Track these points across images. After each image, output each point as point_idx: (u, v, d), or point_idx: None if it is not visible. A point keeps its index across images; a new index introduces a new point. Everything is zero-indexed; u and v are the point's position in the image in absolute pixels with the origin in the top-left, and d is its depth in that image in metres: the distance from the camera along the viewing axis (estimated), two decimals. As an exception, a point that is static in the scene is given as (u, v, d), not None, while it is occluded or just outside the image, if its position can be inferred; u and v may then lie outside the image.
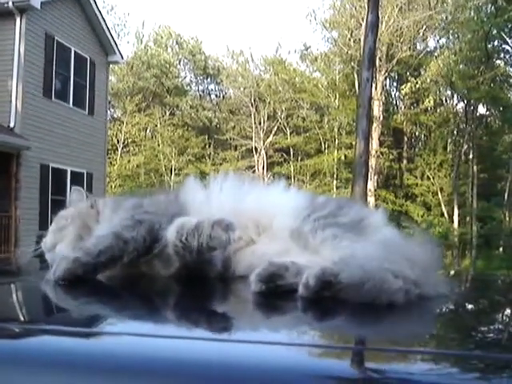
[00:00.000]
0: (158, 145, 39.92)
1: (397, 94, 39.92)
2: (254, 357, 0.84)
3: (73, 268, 1.44)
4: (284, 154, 39.53)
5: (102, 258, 1.47)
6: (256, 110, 39.80)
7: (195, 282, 1.48)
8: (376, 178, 34.49)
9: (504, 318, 1.34)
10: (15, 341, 0.98)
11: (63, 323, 1.12)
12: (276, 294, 1.28)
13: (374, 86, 27.49)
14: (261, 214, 1.60)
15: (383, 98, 36.22)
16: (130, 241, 1.50)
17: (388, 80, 38.21)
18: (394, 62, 34.89)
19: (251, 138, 39.76)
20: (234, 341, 0.95)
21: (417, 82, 34.30)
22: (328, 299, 1.21)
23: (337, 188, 36.00)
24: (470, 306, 1.50)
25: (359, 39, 30.87)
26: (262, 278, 1.29)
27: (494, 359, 0.86)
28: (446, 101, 38.61)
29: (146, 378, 0.79)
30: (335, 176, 36.93)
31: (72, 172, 18.49)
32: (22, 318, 1.23)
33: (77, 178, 18.27)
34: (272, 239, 1.56)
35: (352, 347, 0.98)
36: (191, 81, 47.13)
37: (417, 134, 39.96)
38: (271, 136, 39.44)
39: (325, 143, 38.05)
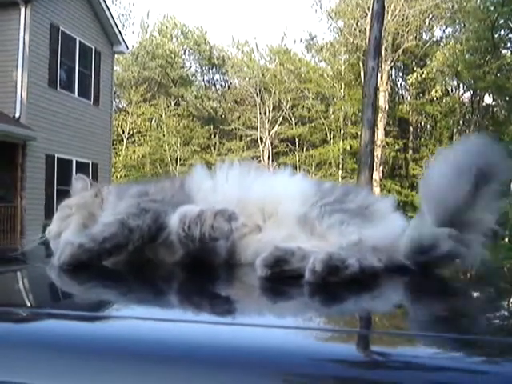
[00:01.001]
0: (164, 135, 39.93)
1: (402, 83, 39.86)
2: (260, 340, 0.84)
3: (77, 254, 1.44)
4: (289, 144, 39.49)
5: (107, 245, 1.47)
6: (261, 100, 39.75)
7: (201, 269, 1.48)
8: (381, 168, 34.48)
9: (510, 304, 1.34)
10: (20, 324, 0.98)
11: (68, 308, 1.13)
12: (282, 279, 1.28)
13: (379, 75, 27.41)
14: (267, 201, 1.59)
15: (389, 87, 36.14)
16: (135, 229, 1.50)
17: (394, 70, 38.11)
18: (400, 51, 34.80)
19: (256, 128, 39.74)
20: (239, 324, 0.95)
21: (423, 72, 34.22)
22: (335, 284, 1.21)
23: (342, 178, 35.97)
24: (476, 293, 1.49)
25: (365, 29, 30.79)
26: (268, 263, 1.29)
27: (498, 343, 0.86)
28: (452, 91, 38.52)
29: (150, 361, 0.79)
30: (341, 166, 36.91)
31: (77, 162, 18.53)
32: (27, 303, 1.24)
33: (82, 168, 18.31)
34: (278, 225, 1.55)
35: (358, 330, 0.98)
36: (196, 71, 47.13)
37: (422, 123, 39.87)
38: (276, 126, 39.41)
39: (330, 133, 38.01)
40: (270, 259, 1.29)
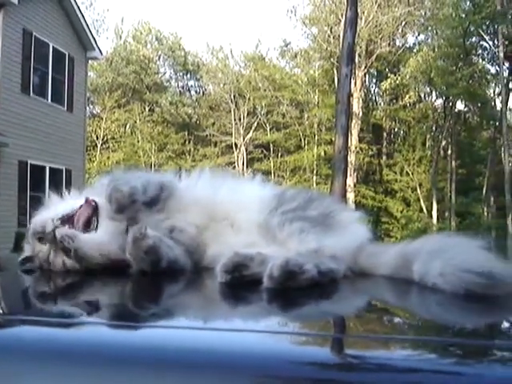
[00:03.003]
0: (138, 141, 39.77)
1: (376, 90, 40.13)
2: (231, 344, 0.84)
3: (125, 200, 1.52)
4: (264, 150, 39.54)
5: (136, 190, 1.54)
6: (236, 106, 39.78)
7: (162, 274, 1.48)
8: (355, 173, 34.66)
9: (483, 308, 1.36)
10: None
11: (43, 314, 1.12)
12: (242, 284, 1.29)
13: (353, 82, 27.61)
14: (230, 208, 1.61)
15: (363, 94, 36.37)
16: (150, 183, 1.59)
17: (367, 76, 38.34)
18: (374, 58, 35.04)
19: (231, 134, 39.75)
20: (208, 329, 0.96)
21: (396, 78, 34.49)
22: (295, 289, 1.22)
23: (317, 184, 36.07)
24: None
25: (339, 35, 30.94)
26: (228, 269, 1.30)
27: (471, 346, 0.88)
28: (425, 97, 38.85)
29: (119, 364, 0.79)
30: (315, 172, 37.01)
31: (51, 168, 18.36)
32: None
33: (56, 175, 18.15)
34: (240, 232, 1.57)
35: (331, 334, 0.99)
36: (171, 77, 47.06)
37: (396, 129, 40.17)
38: (251, 132, 39.45)
39: (305, 139, 38.12)
40: (230, 264, 1.31)
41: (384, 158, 37.88)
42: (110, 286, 1.53)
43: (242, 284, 1.29)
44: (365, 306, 1.30)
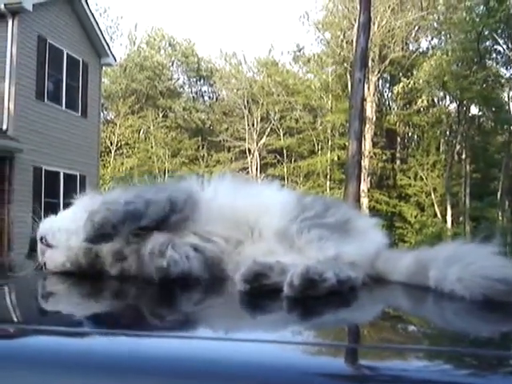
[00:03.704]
0: (152, 147, 39.86)
1: (389, 94, 39.99)
2: (247, 355, 0.84)
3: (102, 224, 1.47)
4: (277, 156, 39.49)
5: (129, 214, 1.49)
6: (249, 111, 39.79)
7: (182, 284, 1.48)
8: (369, 178, 34.54)
9: (500, 316, 1.35)
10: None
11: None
12: (262, 293, 1.29)
13: (366, 86, 27.57)
14: (249, 215, 1.61)
15: (376, 98, 36.28)
16: (153, 203, 1.53)
17: (380, 81, 38.24)
18: (387, 62, 34.94)
19: (244, 140, 39.75)
20: (224, 339, 0.95)
21: (409, 82, 34.37)
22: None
23: (330, 189, 35.99)
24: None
25: (352, 40, 30.90)
26: (247, 278, 1.30)
27: (487, 356, 0.87)
28: (439, 101, 38.70)
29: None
30: (329, 177, 36.93)
31: (65, 174, 18.44)
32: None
33: (70, 181, 18.23)
34: (258, 239, 1.57)
35: (346, 345, 0.99)
36: (184, 83, 47.14)
37: (410, 134, 40.01)
38: (264, 137, 39.43)
39: (318, 144, 38.06)
40: (249, 274, 1.31)
41: (398, 162, 37.73)
42: (123, 294, 1.54)
43: (260, 293, 1.29)
44: (381, 315, 1.29)
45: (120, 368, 0.82)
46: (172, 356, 0.83)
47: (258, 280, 1.30)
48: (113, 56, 21.49)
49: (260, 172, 39.09)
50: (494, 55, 34.55)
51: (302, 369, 0.79)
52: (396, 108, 38.51)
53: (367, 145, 32.28)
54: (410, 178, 35.91)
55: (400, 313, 1.31)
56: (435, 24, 35.88)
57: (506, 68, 34.50)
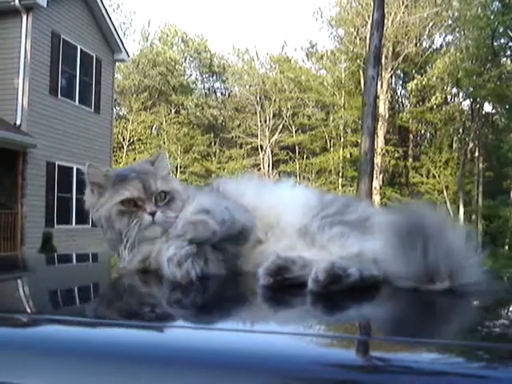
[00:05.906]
0: (164, 143, 39.91)
1: (403, 91, 39.88)
2: (265, 346, 0.86)
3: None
4: (289, 152, 39.46)
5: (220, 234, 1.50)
6: (261, 107, 39.78)
7: (205, 279, 1.49)
8: (381, 176, 34.44)
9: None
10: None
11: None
12: (284, 287, 1.30)
13: (379, 83, 27.49)
14: (270, 212, 1.63)
15: (389, 95, 36.14)
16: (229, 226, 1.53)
17: (394, 78, 38.12)
18: (400, 59, 34.81)
19: (257, 136, 39.74)
20: (244, 331, 0.97)
21: (423, 80, 34.22)
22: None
23: (342, 186, 35.95)
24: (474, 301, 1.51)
25: (365, 37, 30.82)
26: (270, 272, 1.31)
27: (498, 350, 0.87)
28: (452, 99, 38.49)
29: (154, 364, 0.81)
30: (341, 174, 36.87)
31: (78, 169, 18.43)
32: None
33: (83, 176, 18.27)
34: (280, 236, 1.58)
35: (358, 337, 1.00)
36: (197, 79, 47.17)
37: (422, 131, 39.86)
38: (277, 134, 39.41)
39: (330, 141, 38.01)
40: (272, 268, 1.32)
41: (410, 160, 37.60)
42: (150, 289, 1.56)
43: (282, 287, 1.30)
44: (394, 309, 1.30)
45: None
46: (194, 347, 0.85)
47: (280, 273, 1.31)
48: (126, 52, 21.55)
49: (272, 168, 39.10)
50: (509, 52, 34.31)
51: (315, 359, 0.80)
52: (409, 105, 38.39)
53: (380, 142, 32.18)
54: (422, 175, 35.79)
55: (411, 307, 1.31)
56: (449, 21, 35.66)
57: (521, 65, 34.28)
